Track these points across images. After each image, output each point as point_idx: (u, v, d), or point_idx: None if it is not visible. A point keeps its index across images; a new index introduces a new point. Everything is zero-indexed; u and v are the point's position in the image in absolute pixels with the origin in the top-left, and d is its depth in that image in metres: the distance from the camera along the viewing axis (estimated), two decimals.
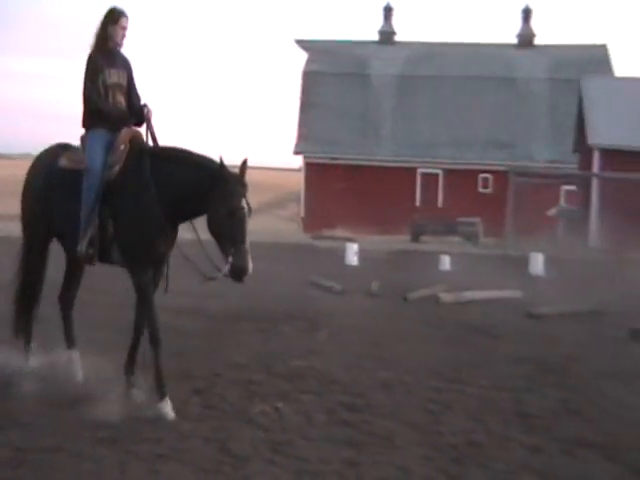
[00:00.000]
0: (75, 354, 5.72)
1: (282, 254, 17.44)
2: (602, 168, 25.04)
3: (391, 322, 8.90)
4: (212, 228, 4.92)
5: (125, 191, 5.16)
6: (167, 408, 4.95)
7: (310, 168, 33.54)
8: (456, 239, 26.04)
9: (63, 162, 5.43)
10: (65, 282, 5.91)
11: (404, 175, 33.37)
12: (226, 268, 4.81)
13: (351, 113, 34.55)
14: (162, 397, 4.99)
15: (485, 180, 33.55)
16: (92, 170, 5.21)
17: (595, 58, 35.20)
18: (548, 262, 16.25)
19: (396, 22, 38.37)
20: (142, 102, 5.53)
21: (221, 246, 4.89)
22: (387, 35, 38.03)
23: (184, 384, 5.64)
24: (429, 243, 25.11)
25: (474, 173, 33.47)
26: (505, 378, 6.39)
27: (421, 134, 34.09)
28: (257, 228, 28.18)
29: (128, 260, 5.17)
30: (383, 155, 33.70)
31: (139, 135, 5.44)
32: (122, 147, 5.28)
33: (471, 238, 25.61)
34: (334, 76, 35.13)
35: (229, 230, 4.84)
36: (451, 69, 35.36)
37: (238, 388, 5.69)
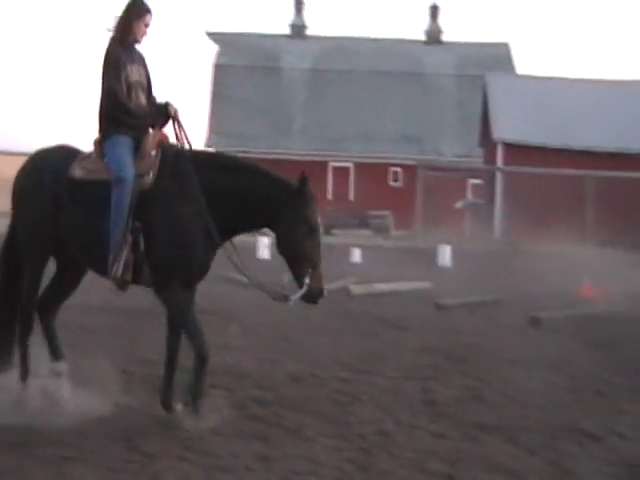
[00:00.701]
0: (63, 366, 5.11)
1: None
2: (505, 162, 25.98)
3: (301, 315, 8.93)
4: (291, 248, 4.52)
5: (165, 202, 4.58)
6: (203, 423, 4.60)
7: None
8: (367, 232, 26.44)
9: (77, 173, 4.73)
10: (51, 291, 5.22)
11: (315, 169, 33.51)
12: (302, 290, 4.50)
13: (263, 106, 34.45)
14: (197, 414, 4.64)
15: (395, 174, 34.17)
16: (124, 181, 4.55)
17: (498, 56, 36.37)
18: (455, 254, 16.72)
19: (307, 16, 38.54)
20: (164, 100, 4.95)
21: (297, 266, 4.52)
22: (298, 29, 38.14)
23: (92, 382, 5.50)
24: (340, 236, 25.36)
25: (384, 167, 34.04)
26: (413, 368, 6.54)
27: (332, 128, 34.38)
28: None
29: (163, 279, 4.61)
30: (295, 149, 33.81)
31: (167, 138, 4.86)
32: (153, 153, 4.70)
33: (381, 231, 26.08)
34: (245, 69, 34.96)
35: (309, 250, 4.50)
36: (362, 64, 35.77)
37: (147, 385, 5.59)
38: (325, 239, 19.14)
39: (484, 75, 29.81)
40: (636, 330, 8.55)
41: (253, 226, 4.84)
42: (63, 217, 4.76)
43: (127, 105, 4.74)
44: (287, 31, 38.05)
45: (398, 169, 33.77)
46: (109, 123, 4.77)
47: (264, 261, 14.96)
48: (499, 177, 25.80)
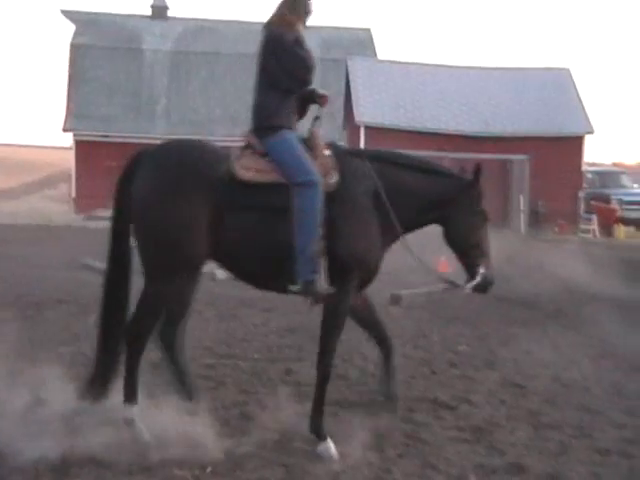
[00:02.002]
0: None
1: (51, 236, 16.49)
2: (367, 145, 26.56)
3: None
4: (467, 239, 4.54)
5: (349, 205, 4.29)
6: (331, 450, 4.26)
7: (81, 146, 31.93)
8: None
9: (245, 174, 4.19)
10: (170, 316, 4.62)
11: None
12: (477, 279, 4.51)
13: (124, 89, 33.35)
14: (321, 438, 4.31)
15: None
16: (315, 184, 4.13)
17: (360, 40, 37.03)
18: None
19: None
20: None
21: (471, 257, 4.54)
22: (160, 10, 37.08)
23: None
24: None
25: None
26: (276, 350, 6.56)
27: (197, 111, 33.84)
28: (24, 210, 26.34)
29: (342, 284, 4.29)
30: (158, 133, 32.90)
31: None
32: (326, 152, 4.41)
33: None
34: (104, 50, 33.64)
35: (483, 239, 4.55)
36: (226, 46, 35.37)
37: None
38: None
39: (346, 59, 30.30)
40: (486, 303, 8.99)
41: (425, 222, 4.69)
42: (224, 227, 4.17)
43: (310, 81, 4.48)
44: (148, 12, 36.92)
45: None
46: (279, 113, 4.36)
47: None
48: None
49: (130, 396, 4.34)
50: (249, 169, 4.22)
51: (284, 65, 4.39)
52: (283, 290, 4.38)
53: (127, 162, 4.37)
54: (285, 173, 4.21)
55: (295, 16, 4.50)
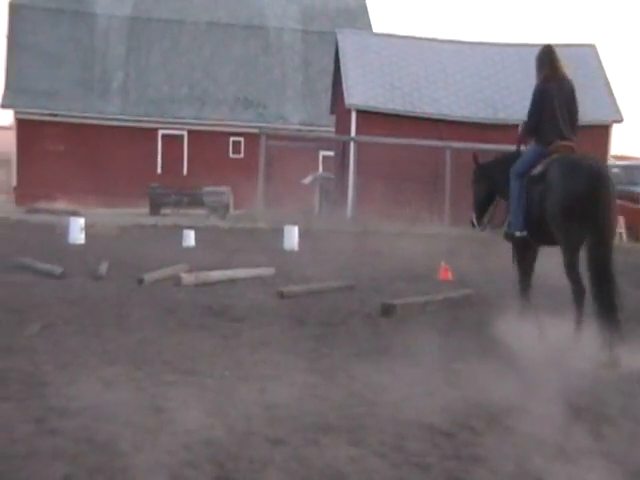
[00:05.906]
0: None
1: None
2: (359, 131, 26.44)
3: (120, 309, 8.79)
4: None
5: None
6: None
7: (23, 126, 31.77)
8: (202, 211, 26.28)
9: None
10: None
11: (141, 137, 32.81)
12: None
13: (73, 60, 33.15)
14: None
15: (236, 144, 34.05)
16: None
17: (352, 9, 36.97)
18: (303, 235, 16.99)
19: None
20: None
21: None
22: None
23: None
24: (171, 216, 25.08)
25: (224, 135, 33.82)
26: (249, 366, 6.59)
27: (159, 89, 33.74)
28: None
29: None
30: (114, 112, 32.84)
31: None
32: None
33: (219, 210, 26.02)
34: (49, 12, 33.38)
35: None
36: (193, 13, 35.28)
37: None
38: (153, 220, 19.05)
39: (334, 31, 30.16)
40: (490, 312, 9.04)
41: None
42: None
43: None
44: None
45: (240, 138, 33.70)
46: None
47: (77, 246, 14.63)
48: (352, 148, 26.21)
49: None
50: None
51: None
52: None
53: None
54: None
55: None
